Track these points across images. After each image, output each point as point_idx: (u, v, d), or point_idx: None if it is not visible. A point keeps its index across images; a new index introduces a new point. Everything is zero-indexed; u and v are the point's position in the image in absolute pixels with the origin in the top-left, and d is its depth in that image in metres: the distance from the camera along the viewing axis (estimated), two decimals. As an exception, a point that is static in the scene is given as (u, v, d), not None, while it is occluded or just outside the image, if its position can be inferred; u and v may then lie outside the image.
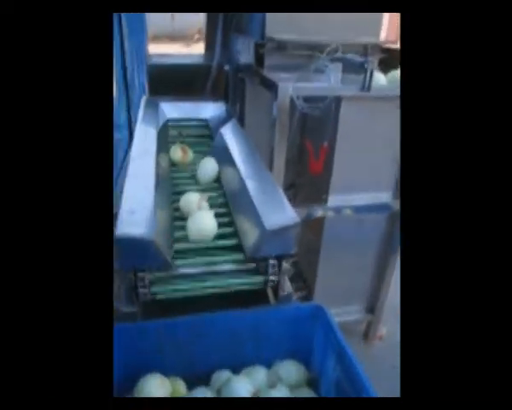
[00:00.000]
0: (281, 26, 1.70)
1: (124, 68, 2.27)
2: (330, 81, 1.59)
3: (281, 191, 1.06)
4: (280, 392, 0.91)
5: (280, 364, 1.00)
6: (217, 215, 1.10)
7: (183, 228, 1.07)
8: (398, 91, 1.53)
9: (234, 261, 1.00)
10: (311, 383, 1.00)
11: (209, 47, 2.47)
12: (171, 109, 1.88)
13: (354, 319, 2.17)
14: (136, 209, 0.90)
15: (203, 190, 1.27)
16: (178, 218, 1.15)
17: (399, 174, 1.75)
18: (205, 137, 1.78)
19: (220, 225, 1.09)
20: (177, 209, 1.18)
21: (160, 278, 0.94)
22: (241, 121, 2.11)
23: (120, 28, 2.09)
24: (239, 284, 1.00)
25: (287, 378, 0.98)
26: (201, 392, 0.93)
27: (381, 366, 2.06)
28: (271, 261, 0.96)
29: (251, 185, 1.08)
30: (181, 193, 1.22)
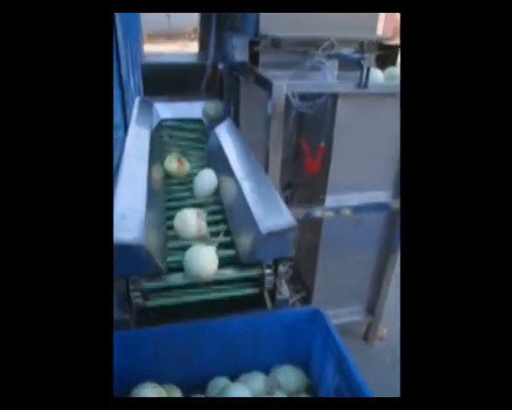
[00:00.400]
0: (275, 23, 1.68)
1: (119, 68, 2.25)
2: (326, 78, 1.56)
3: (277, 193, 1.03)
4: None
5: (278, 369, 0.98)
6: (216, 234, 1.05)
7: (178, 252, 0.99)
8: (395, 88, 1.51)
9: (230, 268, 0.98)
10: (310, 388, 0.98)
11: (203, 46, 2.44)
12: (166, 109, 1.85)
13: (354, 321, 2.15)
14: (127, 214, 0.88)
15: (200, 205, 1.19)
16: (173, 237, 1.05)
17: (399, 173, 1.73)
18: (199, 133, 1.76)
19: (221, 245, 1.03)
20: (171, 228, 1.07)
21: (153, 289, 0.92)
22: (236, 120, 2.08)
23: (114, 27, 2.07)
24: (235, 290, 0.97)
25: (285, 384, 0.96)
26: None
27: (381, 366, 2.05)
28: (268, 266, 0.93)
29: (246, 187, 1.06)
30: (176, 208, 1.12)
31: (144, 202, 0.93)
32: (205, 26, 2.37)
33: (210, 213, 1.15)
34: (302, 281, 2.18)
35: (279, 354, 0.99)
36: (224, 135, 1.46)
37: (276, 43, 1.64)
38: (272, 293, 0.99)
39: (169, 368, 0.91)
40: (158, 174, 1.32)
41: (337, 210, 1.74)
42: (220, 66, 2.25)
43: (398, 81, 1.62)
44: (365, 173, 1.73)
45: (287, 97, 1.47)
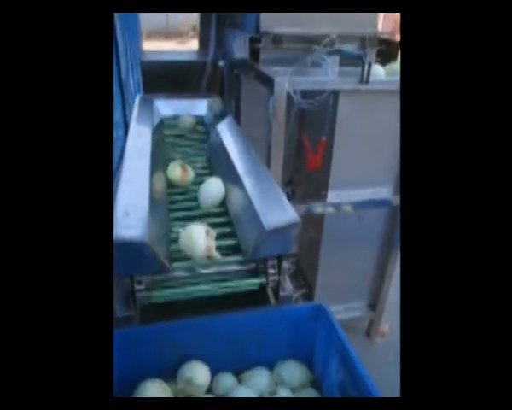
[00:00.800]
0: (276, 19, 1.67)
1: (118, 66, 2.25)
2: (328, 74, 1.56)
3: (279, 189, 1.03)
4: (284, 394, 0.90)
5: (282, 365, 0.99)
6: (222, 249, 0.99)
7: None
8: (397, 84, 1.51)
9: (233, 262, 0.98)
10: (314, 384, 0.98)
11: (203, 43, 2.44)
12: (166, 107, 1.85)
13: (356, 317, 2.15)
14: (130, 211, 0.88)
15: (206, 216, 1.12)
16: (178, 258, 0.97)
17: (399, 169, 1.73)
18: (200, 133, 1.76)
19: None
20: (175, 240, 0.98)
21: (157, 282, 0.92)
22: (237, 118, 2.08)
23: (113, 26, 2.07)
24: (239, 286, 0.97)
25: (289, 380, 0.96)
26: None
27: (384, 362, 2.05)
28: (271, 262, 0.93)
29: (248, 183, 1.06)
30: (179, 219, 1.09)
31: (147, 199, 0.93)
32: (205, 24, 2.37)
33: (217, 226, 1.08)
34: (304, 277, 2.18)
35: (283, 350, 0.99)
36: (226, 132, 1.46)
37: (276, 40, 1.64)
38: (276, 289, 1.00)
39: (173, 365, 0.92)
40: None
41: (338, 206, 1.74)
42: (221, 63, 2.24)
43: (399, 77, 1.62)
44: (367, 169, 1.73)
45: (288, 94, 1.46)
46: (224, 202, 1.18)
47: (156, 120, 1.72)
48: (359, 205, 1.76)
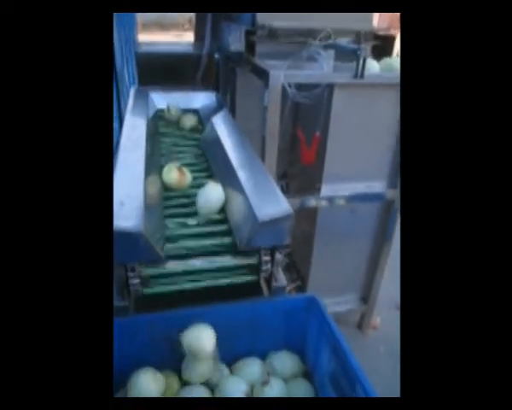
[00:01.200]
0: (272, 13, 1.67)
1: (112, 58, 2.23)
2: (323, 68, 1.56)
3: (273, 182, 1.04)
4: (275, 384, 0.91)
5: (274, 356, 1.00)
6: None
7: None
8: (391, 79, 1.52)
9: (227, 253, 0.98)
10: (306, 374, 1.00)
11: (199, 36, 2.43)
12: (161, 99, 1.84)
13: (348, 309, 2.18)
14: (125, 202, 0.88)
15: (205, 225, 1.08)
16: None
17: (397, 163, 1.75)
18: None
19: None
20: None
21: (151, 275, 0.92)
22: (233, 111, 2.08)
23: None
24: (232, 277, 0.98)
25: (281, 370, 0.98)
26: (195, 387, 0.92)
27: (375, 354, 2.08)
28: (264, 253, 0.94)
29: (243, 175, 1.06)
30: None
31: (142, 190, 0.93)
32: (201, 16, 2.35)
33: (218, 235, 1.04)
34: (297, 270, 2.19)
35: (275, 341, 1.01)
36: (221, 125, 1.46)
37: (272, 34, 1.64)
38: (269, 280, 1.01)
39: (167, 354, 0.92)
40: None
41: (332, 200, 1.75)
42: (216, 56, 2.24)
43: (393, 72, 1.63)
44: (360, 163, 1.74)
45: (283, 87, 1.47)
46: (223, 209, 1.12)
47: (151, 112, 1.72)
48: (353, 199, 1.77)
